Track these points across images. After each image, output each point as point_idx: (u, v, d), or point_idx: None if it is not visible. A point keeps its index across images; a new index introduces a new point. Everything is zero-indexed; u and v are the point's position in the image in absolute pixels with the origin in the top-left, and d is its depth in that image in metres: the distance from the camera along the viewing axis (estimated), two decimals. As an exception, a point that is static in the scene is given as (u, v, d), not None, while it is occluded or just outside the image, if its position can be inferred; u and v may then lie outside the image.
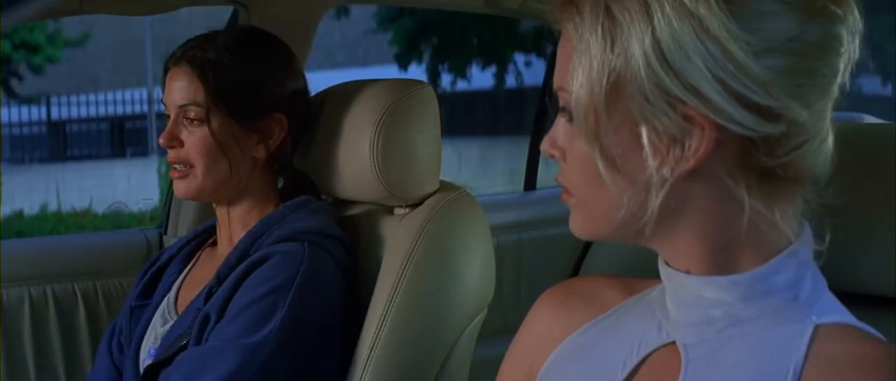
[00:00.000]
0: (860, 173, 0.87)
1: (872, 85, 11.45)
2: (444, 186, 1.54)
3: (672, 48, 0.70)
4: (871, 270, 0.86)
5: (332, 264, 1.45)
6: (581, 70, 0.74)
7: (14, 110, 14.37)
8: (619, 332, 0.87)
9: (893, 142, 0.88)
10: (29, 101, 14.64)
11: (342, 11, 13.46)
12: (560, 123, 0.81)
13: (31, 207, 9.73)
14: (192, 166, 1.49)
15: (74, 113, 15.28)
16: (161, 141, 1.50)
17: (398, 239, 1.48)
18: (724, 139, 0.72)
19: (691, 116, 0.71)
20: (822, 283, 0.80)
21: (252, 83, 1.50)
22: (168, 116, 1.51)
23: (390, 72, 13.92)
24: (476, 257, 1.49)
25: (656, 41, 0.70)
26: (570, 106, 0.77)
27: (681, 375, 0.79)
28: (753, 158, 0.73)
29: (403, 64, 14.21)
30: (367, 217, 1.57)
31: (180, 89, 1.49)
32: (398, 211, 1.54)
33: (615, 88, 0.73)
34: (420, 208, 1.51)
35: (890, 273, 0.85)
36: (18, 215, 9.51)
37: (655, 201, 0.75)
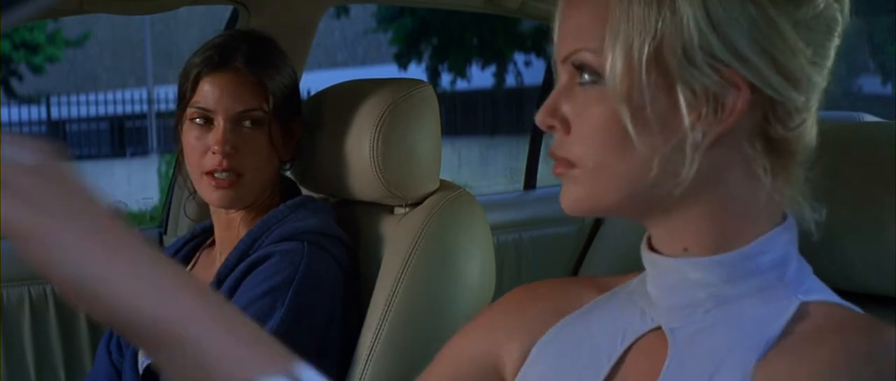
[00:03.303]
0: (860, 173, 0.87)
1: (872, 85, 11.43)
2: (444, 186, 1.54)
3: (719, 11, 0.72)
4: (871, 270, 0.86)
5: (332, 263, 1.45)
6: (622, 29, 0.74)
7: (14, 110, 14.36)
8: (600, 324, 0.86)
9: (893, 141, 0.88)
10: (29, 101, 14.63)
11: (342, 11, 13.47)
12: (566, 90, 0.79)
13: (31, 206, 9.72)
14: (241, 175, 1.47)
15: (74, 113, 15.27)
16: (217, 148, 1.45)
17: (398, 238, 1.48)
18: (754, 103, 0.74)
19: (729, 77, 0.73)
20: (808, 267, 0.80)
21: (292, 85, 1.54)
22: (197, 120, 1.48)
23: (390, 71, 13.92)
24: (476, 256, 1.49)
25: (704, 3, 0.72)
26: (596, 66, 0.76)
27: (667, 359, 0.78)
28: (771, 128, 0.75)
29: (403, 64, 14.21)
30: (367, 217, 1.57)
31: (238, 94, 1.46)
32: (398, 210, 1.54)
33: (659, 48, 0.73)
34: (420, 207, 1.51)
35: (890, 273, 0.85)
36: (18, 215, 9.49)
37: (692, 166, 0.74)
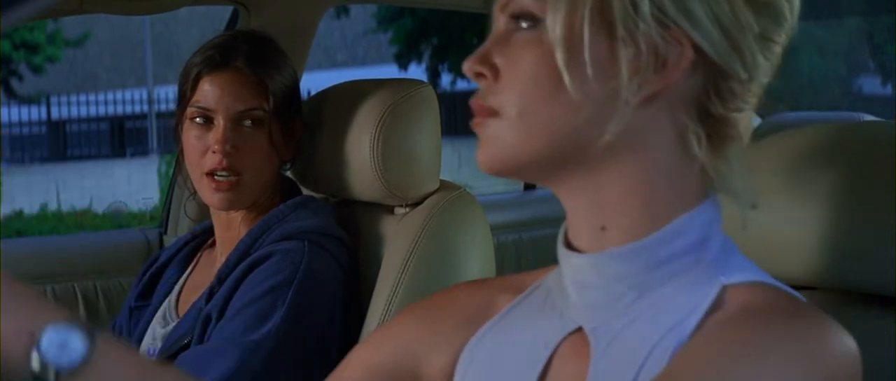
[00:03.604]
0: (860, 173, 0.87)
1: (872, 85, 11.42)
2: (445, 186, 1.54)
3: None
4: (870, 270, 0.86)
5: (333, 263, 1.45)
6: None
7: (14, 110, 14.37)
8: (520, 331, 0.82)
9: (893, 141, 0.88)
10: (29, 101, 14.64)
11: (342, 11, 13.47)
12: (502, 39, 0.76)
13: (31, 207, 9.73)
14: (240, 175, 1.47)
15: (74, 113, 15.28)
16: (217, 148, 1.45)
17: (398, 238, 1.48)
18: (696, 67, 0.72)
19: (675, 35, 0.71)
20: (733, 247, 0.77)
21: (293, 85, 1.54)
22: (197, 120, 1.48)
23: (390, 72, 13.92)
24: (476, 256, 1.49)
25: None
26: (536, 10, 0.73)
27: (592, 361, 0.75)
28: (710, 104, 0.73)
29: (403, 64, 14.21)
30: (368, 217, 1.58)
31: (239, 94, 1.47)
32: (398, 210, 1.54)
33: None
34: (420, 207, 1.51)
35: (890, 273, 0.85)
36: (18, 215, 9.51)
37: (622, 118, 0.71)
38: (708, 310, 0.72)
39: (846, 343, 0.67)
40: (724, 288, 0.73)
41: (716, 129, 0.74)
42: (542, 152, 0.74)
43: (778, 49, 0.75)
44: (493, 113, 0.75)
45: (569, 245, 0.79)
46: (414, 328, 0.88)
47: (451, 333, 0.86)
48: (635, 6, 0.70)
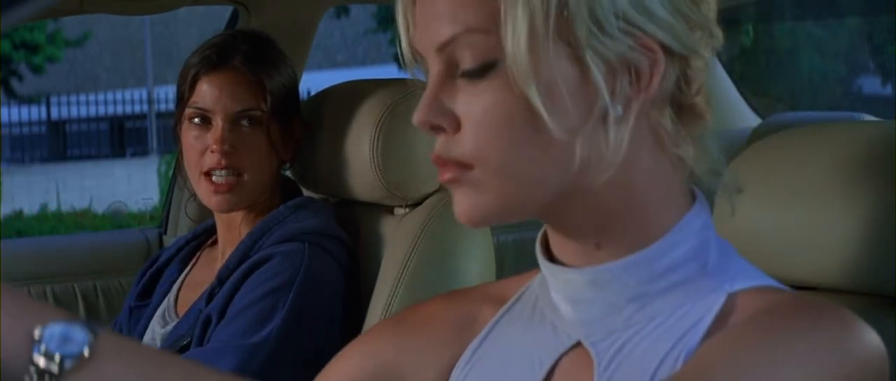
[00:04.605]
0: (860, 173, 0.87)
1: (872, 85, 11.41)
2: (444, 186, 1.54)
3: None
4: (870, 270, 0.86)
5: (333, 263, 1.45)
6: (521, 2, 0.65)
7: (14, 110, 14.36)
8: (512, 349, 0.77)
9: (893, 141, 0.88)
10: (29, 101, 14.63)
11: (342, 11, 13.47)
12: (446, 82, 0.69)
13: (31, 207, 9.73)
14: (240, 175, 1.47)
15: (74, 113, 15.27)
16: (216, 147, 1.45)
17: (398, 239, 1.48)
18: (666, 69, 0.67)
19: (642, 41, 0.66)
20: (730, 249, 0.73)
21: (291, 85, 1.54)
22: (195, 120, 1.48)
23: (390, 72, 13.92)
24: (476, 256, 1.49)
25: None
26: (487, 50, 0.66)
27: (595, 375, 0.70)
28: (682, 95, 0.69)
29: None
30: (367, 217, 1.58)
31: (237, 94, 1.47)
32: (398, 211, 1.54)
33: (563, 15, 0.65)
34: (420, 207, 1.51)
35: (890, 273, 0.85)
36: (18, 215, 9.51)
37: (620, 144, 0.66)
38: (716, 318, 0.69)
39: (874, 339, 0.65)
40: (730, 296, 0.70)
41: (690, 118, 0.71)
42: (537, 203, 0.69)
43: (715, 6, 0.71)
44: (467, 166, 0.68)
45: (551, 258, 0.74)
46: (393, 344, 0.83)
47: (435, 349, 0.81)
48: (597, 22, 0.65)
